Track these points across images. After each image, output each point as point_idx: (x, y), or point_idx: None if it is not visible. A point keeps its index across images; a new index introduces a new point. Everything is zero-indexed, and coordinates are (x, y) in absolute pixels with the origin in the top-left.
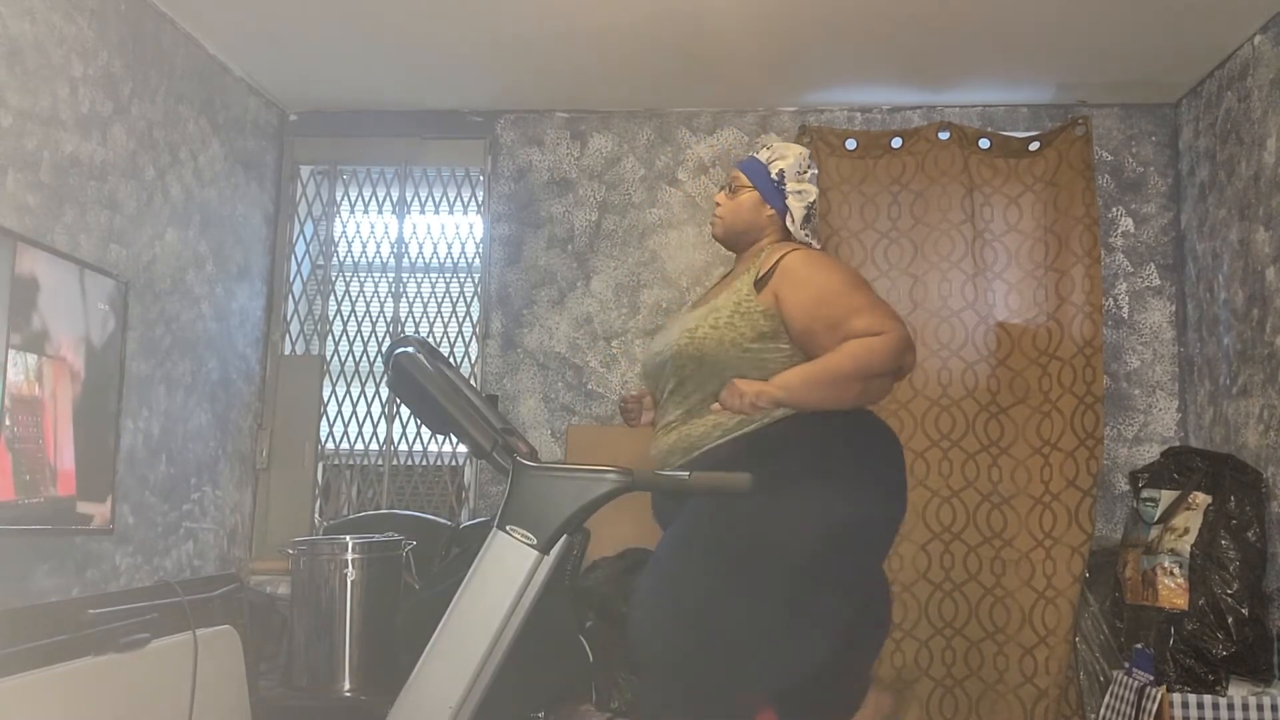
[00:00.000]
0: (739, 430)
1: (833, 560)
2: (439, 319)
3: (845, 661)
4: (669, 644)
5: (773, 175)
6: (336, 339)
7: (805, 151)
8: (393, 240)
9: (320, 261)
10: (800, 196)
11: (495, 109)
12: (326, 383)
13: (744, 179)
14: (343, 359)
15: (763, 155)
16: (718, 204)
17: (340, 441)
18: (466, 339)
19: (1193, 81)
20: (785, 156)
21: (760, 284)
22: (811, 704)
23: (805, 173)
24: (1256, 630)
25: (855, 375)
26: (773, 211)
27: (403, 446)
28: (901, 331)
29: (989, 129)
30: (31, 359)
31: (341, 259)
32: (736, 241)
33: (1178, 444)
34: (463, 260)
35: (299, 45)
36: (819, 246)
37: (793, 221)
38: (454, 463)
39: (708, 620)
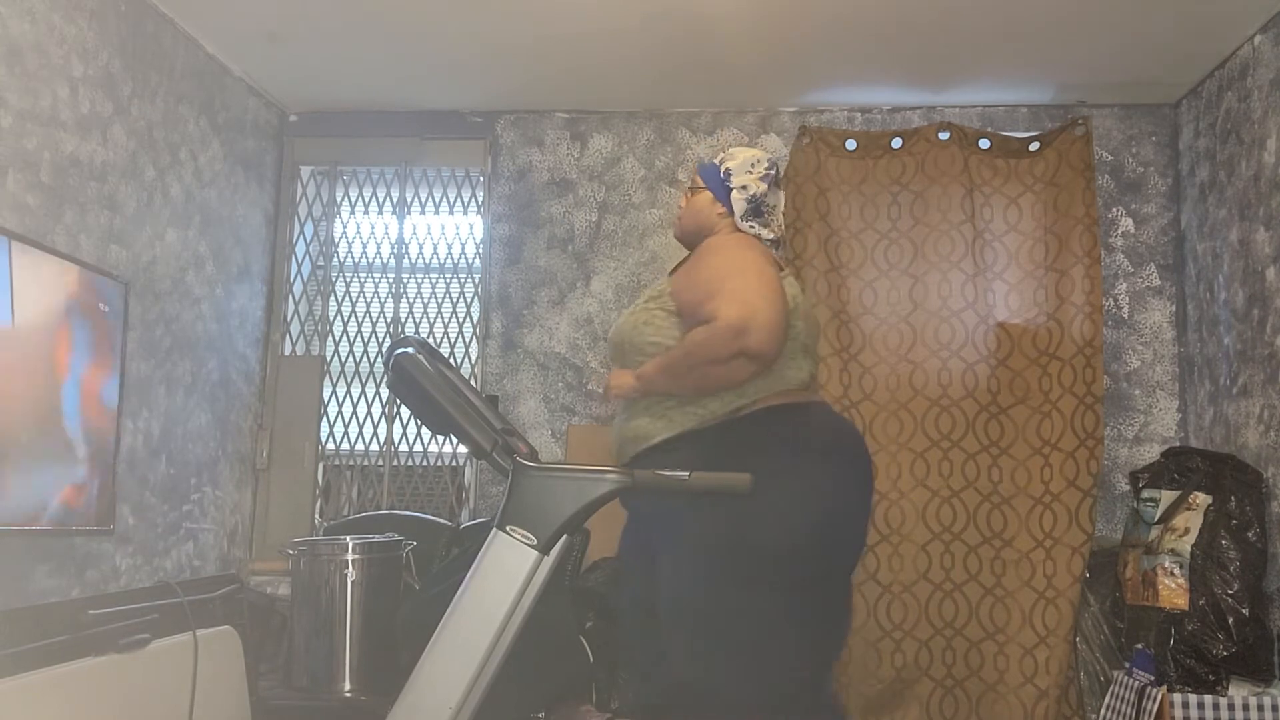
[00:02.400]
0: (678, 429)
1: (787, 558)
2: (439, 319)
3: (806, 663)
4: (652, 645)
5: (721, 173)
6: (336, 339)
7: (760, 155)
8: (393, 241)
9: (320, 262)
10: (743, 190)
11: (495, 109)
12: (326, 383)
13: (699, 180)
14: (343, 359)
15: (718, 158)
16: (679, 207)
17: (340, 442)
18: (466, 339)
19: (1193, 81)
20: (734, 156)
21: (675, 269)
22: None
23: (754, 170)
24: (1257, 630)
25: (691, 362)
26: (723, 209)
27: (403, 447)
28: (736, 315)
29: (989, 129)
30: None
31: (341, 259)
32: (693, 240)
33: (1178, 444)
34: (463, 260)
35: (299, 45)
36: (771, 236)
37: (734, 215)
38: (454, 463)
39: (688, 620)
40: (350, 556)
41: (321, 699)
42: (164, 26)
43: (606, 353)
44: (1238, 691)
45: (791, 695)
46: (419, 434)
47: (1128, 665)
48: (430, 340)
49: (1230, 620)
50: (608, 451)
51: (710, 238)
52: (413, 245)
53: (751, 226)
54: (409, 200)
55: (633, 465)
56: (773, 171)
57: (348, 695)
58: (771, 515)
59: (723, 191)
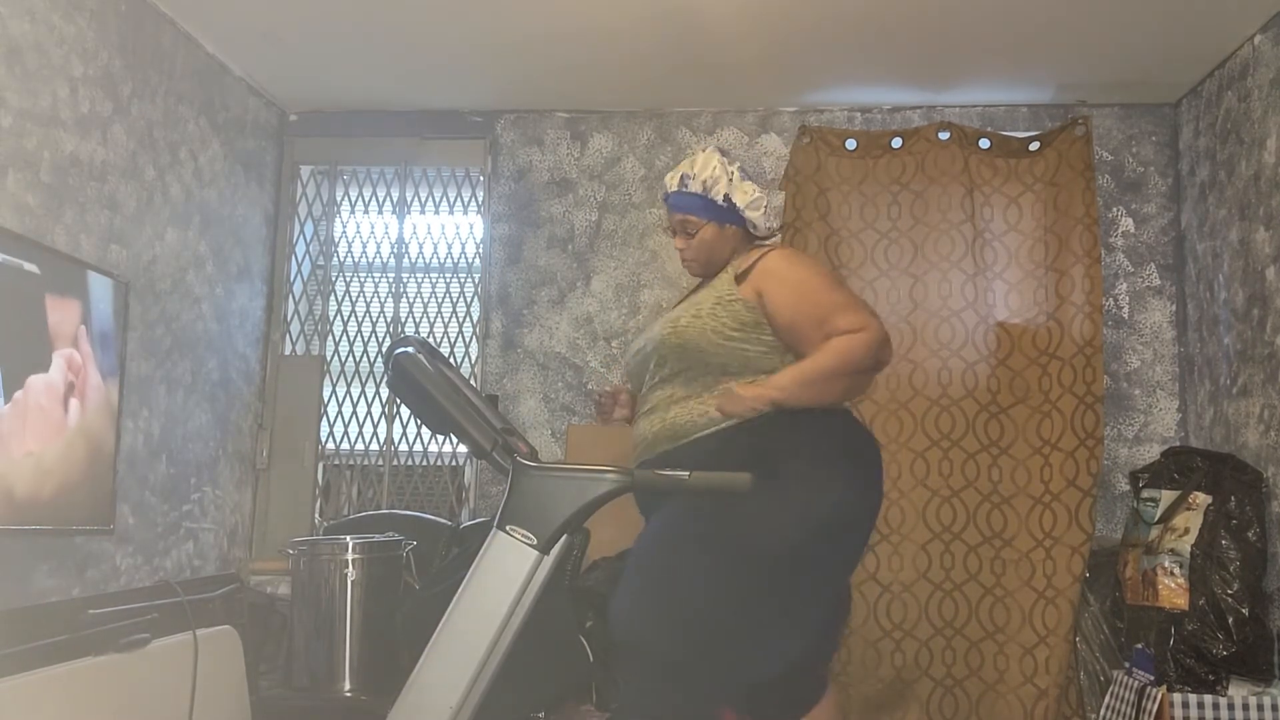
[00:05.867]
0: (725, 422)
1: (814, 556)
2: (439, 319)
3: (813, 658)
4: (650, 640)
5: (719, 202)
6: (336, 339)
7: (719, 157)
8: (393, 240)
9: (320, 261)
10: (753, 205)
11: (495, 109)
12: (326, 383)
13: (695, 219)
14: (343, 359)
15: (693, 186)
16: (680, 248)
17: (340, 441)
18: (466, 339)
19: (1193, 81)
20: (717, 178)
21: (741, 278)
22: (776, 701)
23: (737, 175)
24: (1256, 630)
25: (842, 372)
26: (735, 228)
27: (403, 446)
28: (880, 327)
29: (989, 129)
30: None
31: (341, 259)
32: (716, 270)
33: (1178, 444)
34: (463, 260)
35: (299, 45)
36: (779, 224)
37: (755, 228)
38: (454, 463)
39: (689, 615)
40: (350, 556)
41: (321, 699)
42: (164, 26)
43: (648, 355)
44: (1237, 691)
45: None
46: (419, 434)
47: (1127, 665)
48: (430, 340)
49: (1230, 620)
50: (608, 451)
51: (769, 253)
52: (413, 245)
53: (774, 231)
54: (409, 200)
55: (675, 456)
56: (738, 163)
57: (348, 695)
58: (798, 511)
59: (732, 215)
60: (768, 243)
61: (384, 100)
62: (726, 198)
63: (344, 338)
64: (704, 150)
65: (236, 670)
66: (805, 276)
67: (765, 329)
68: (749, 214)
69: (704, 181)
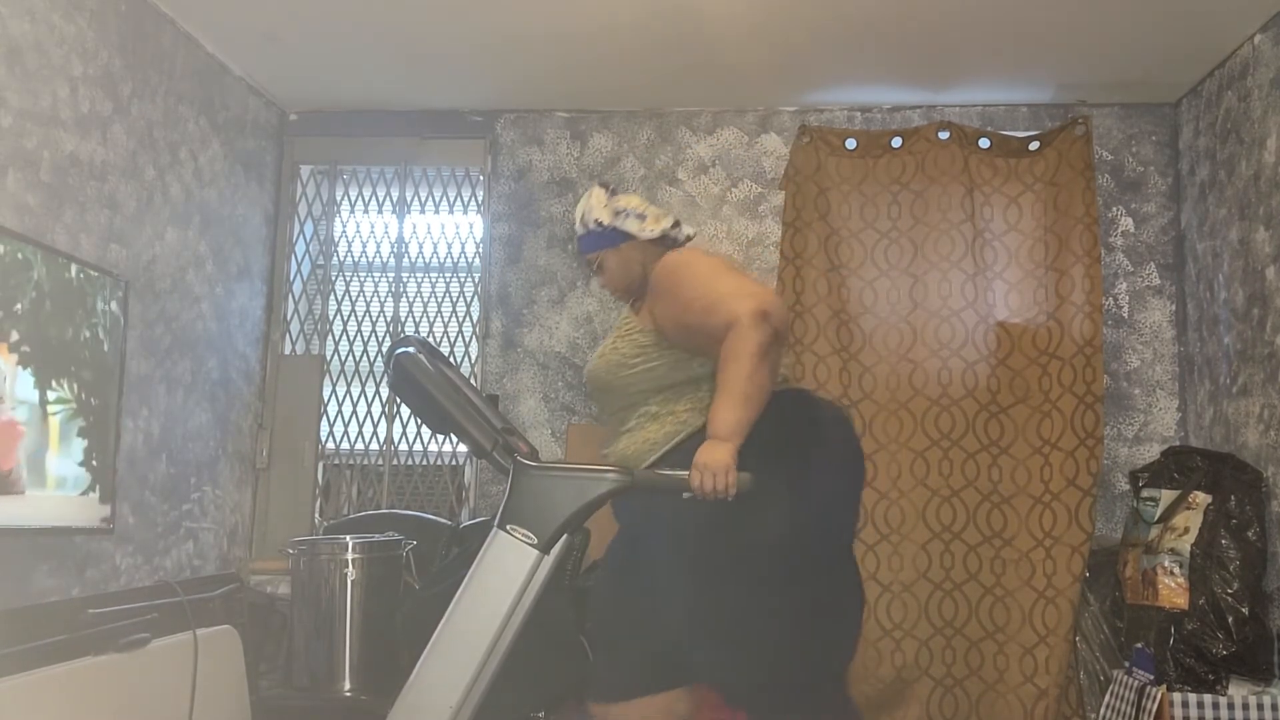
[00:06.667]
0: (667, 445)
1: (792, 547)
2: (439, 319)
3: (814, 660)
4: (623, 631)
5: (595, 230)
6: (336, 339)
7: (592, 189)
8: (393, 240)
9: (320, 261)
10: (617, 216)
11: (495, 109)
12: (326, 383)
13: (593, 256)
14: (343, 359)
15: (579, 228)
16: (602, 286)
17: (340, 441)
18: (466, 339)
19: (1193, 81)
20: (588, 209)
21: (637, 303)
22: (778, 705)
23: (601, 195)
24: (1256, 630)
25: (752, 366)
26: (629, 244)
27: (403, 446)
28: (749, 306)
29: (989, 129)
30: None
31: (341, 259)
32: (640, 289)
33: (1178, 443)
34: (463, 260)
35: (299, 45)
36: (670, 223)
37: (640, 233)
38: (454, 463)
39: (663, 610)
40: (350, 556)
41: (321, 699)
42: (164, 26)
43: (588, 393)
44: (1237, 691)
45: (806, 687)
46: (419, 433)
47: (1127, 664)
48: (430, 340)
49: (1230, 619)
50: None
51: (659, 266)
52: (412, 245)
53: (654, 230)
54: (409, 199)
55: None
56: (611, 185)
57: (348, 695)
58: (773, 507)
59: (617, 236)
60: (682, 247)
61: (384, 100)
62: (598, 222)
63: (344, 337)
64: None
65: (236, 670)
66: (676, 283)
67: (664, 344)
68: (620, 227)
69: (580, 219)
